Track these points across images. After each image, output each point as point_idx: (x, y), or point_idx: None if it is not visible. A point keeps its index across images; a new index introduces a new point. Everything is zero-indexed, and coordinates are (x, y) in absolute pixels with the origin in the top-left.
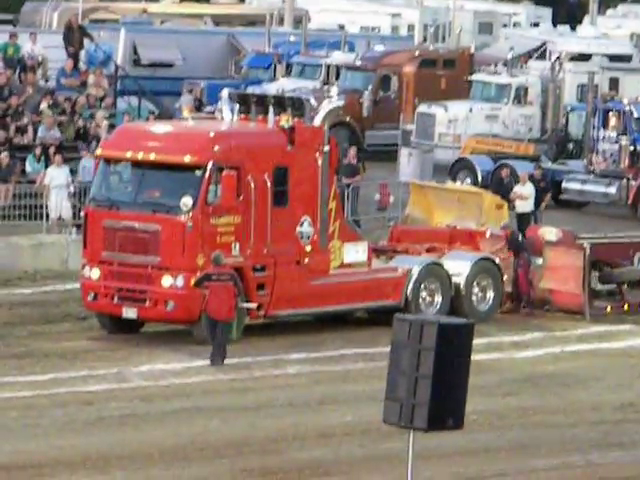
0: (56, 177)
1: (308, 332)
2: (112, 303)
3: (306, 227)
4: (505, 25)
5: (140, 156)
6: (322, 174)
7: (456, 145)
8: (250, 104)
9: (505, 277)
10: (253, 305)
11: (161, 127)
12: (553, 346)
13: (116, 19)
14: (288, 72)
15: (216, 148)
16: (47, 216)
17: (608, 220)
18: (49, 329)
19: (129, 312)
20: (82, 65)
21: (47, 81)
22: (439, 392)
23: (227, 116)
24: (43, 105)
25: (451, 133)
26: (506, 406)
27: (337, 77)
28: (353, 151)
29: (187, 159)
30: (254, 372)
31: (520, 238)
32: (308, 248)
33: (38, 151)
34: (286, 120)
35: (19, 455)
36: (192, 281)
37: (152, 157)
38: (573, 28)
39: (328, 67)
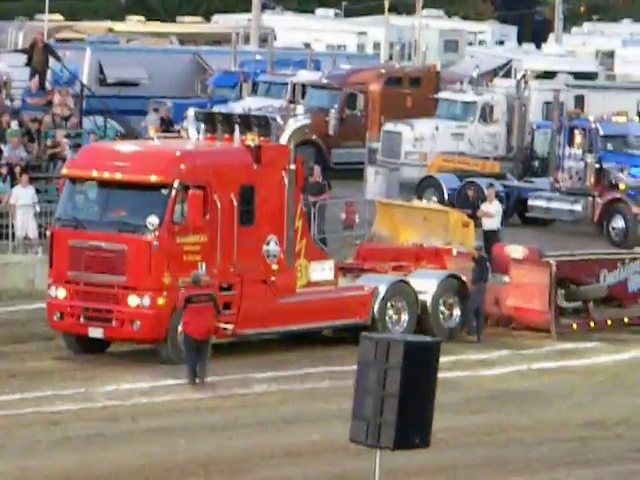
0: (22, 197)
1: (274, 351)
2: (78, 323)
3: (272, 246)
4: (471, 43)
5: (106, 175)
6: (288, 193)
7: (422, 163)
8: (216, 123)
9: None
10: (230, 326)
11: (127, 146)
12: (519, 364)
13: (81, 38)
14: (254, 91)
15: (182, 167)
16: (13, 236)
17: (574, 238)
18: (15, 349)
19: (95, 332)
20: (48, 84)
21: (12, 100)
22: (406, 410)
23: (193, 135)
24: (13, 124)
25: (417, 151)
26: (473, 424)
27: (303, 96)
28: (318, 170)
29: (153, 178)
30: (221, 391)
31: (487, 264)
32: (275, 267)
33: (4, 171)
34: (252, 139)
35: None
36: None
37: (118, 176)
38: (538, 46)
39: (294, 86)
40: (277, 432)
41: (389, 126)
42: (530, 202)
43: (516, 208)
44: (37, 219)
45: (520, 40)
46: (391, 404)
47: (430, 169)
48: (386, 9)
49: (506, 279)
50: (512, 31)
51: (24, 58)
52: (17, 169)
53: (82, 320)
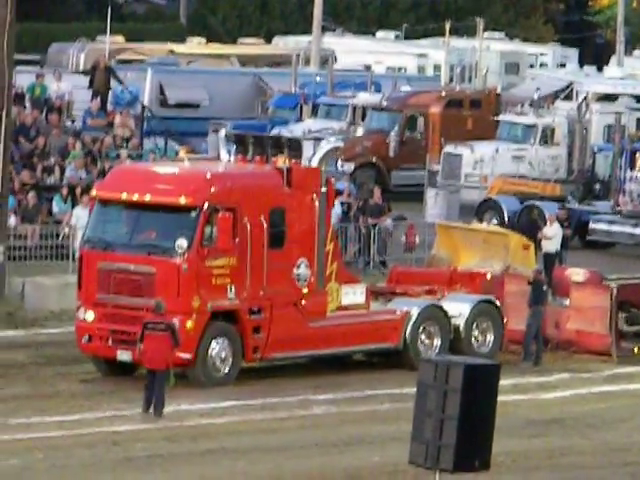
0: (82, 217)
1: (334, 373)
2: (106, 346)
3: (303, 269)
4: (532, 65)
5: (135, 197)
6: (319, 216)
7: (482, 185)
8: (247, 145)
9: (506, 320)
10: (189, 355)
11: (157, 168)
12: (580, 387)
13: (143, 60)
14: (314, 113)
15: (212, 189)
16: (73, 256)
17: (635, 261)
18: (75, 369)
19: (123, 355)
20: (109, 106)
21: (73, 122)
22: (465, 433)
23: (224, 157)
24: (77, 146)
25: (477, 173)
26: (533, 447)
27: (363, 118)
28: (378, 192)
29: (182, 200)
30: (280, 413)
31: (545, 288)
32: (305, 290)
33: (65, 192)
34: (283, 161)
35: None
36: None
37: (147, 198)
38: (600, 69)
39: (354, 108)
40: (337, 454)
41: (449, 148)
42: (591, 225)
43: (577, 231)
44: None
45: (581, 63)
46: (451, 427)
47: (490, 191)
48: (447, 31)
49: (567, 302)
50: (573, 54)
51: (85, 79)
52: (78, 190)
53: (110, 343)
